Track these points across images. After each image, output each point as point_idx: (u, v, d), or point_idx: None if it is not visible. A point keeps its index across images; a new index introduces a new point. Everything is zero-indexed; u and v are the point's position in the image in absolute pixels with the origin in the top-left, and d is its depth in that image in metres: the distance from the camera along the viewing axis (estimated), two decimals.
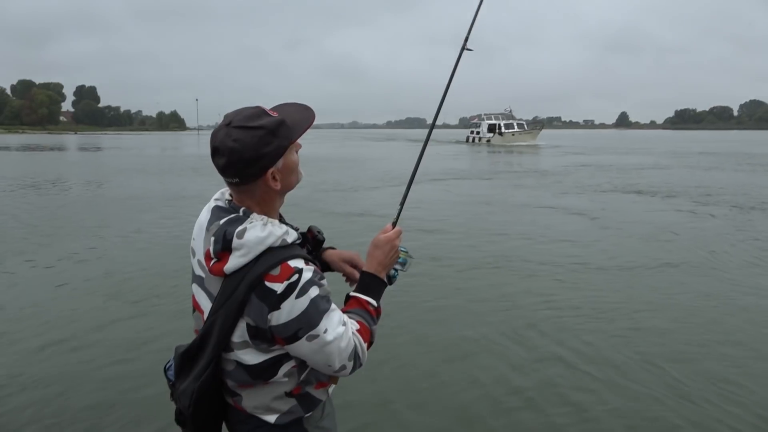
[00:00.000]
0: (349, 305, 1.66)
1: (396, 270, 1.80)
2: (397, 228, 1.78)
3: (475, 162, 31.59)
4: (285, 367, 1.54)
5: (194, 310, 1.62)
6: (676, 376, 4.14)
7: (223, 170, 1.48)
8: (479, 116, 69.70)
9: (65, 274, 6.96)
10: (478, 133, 67.10)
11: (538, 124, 70.68)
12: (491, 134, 63.85)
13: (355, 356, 1.54)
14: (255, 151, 1.43)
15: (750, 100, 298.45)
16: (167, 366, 1.68)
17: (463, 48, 2.28)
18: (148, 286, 6.44)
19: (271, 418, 1.59)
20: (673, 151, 43.48)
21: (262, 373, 1.53)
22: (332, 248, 1.92)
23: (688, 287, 6.45)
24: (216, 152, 1.47)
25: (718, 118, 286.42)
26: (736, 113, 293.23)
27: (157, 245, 8.62)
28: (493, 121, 64.99)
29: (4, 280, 6.74)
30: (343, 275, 1.86)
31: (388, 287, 1.76)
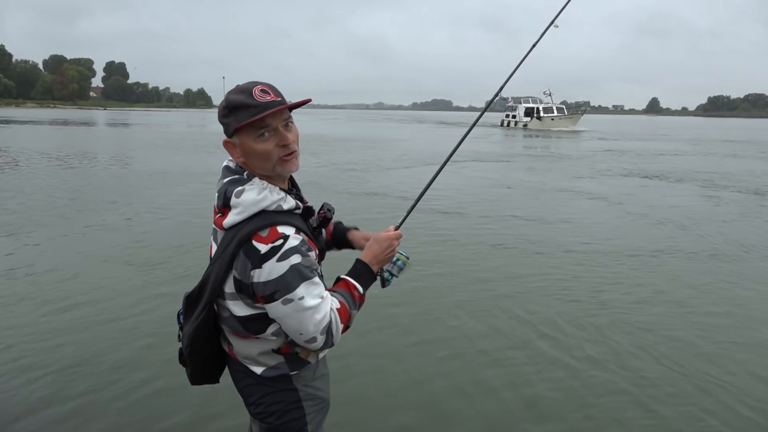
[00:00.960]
0: (337, 286, 1.75)
1: (391, 274, 1.89)
2: (398, 231, 1.91)
3: (511, 147, 31.06)
4: (273, 326, 1.64)
5: (210, 258, 1.74)
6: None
7: None
8: (513, 98, 66.39)
9: (91, 244, 7.08)
10: (513, 117, 64.41)
11: (579, 109, 65.46)
12: (528, 118, 60.87)
13: (328, 332, 1.60)
14: (219, 116, 1.61)
15: None
16: (179, 312, 1.80)
17: (551, 24, 2.50)
18: (170, 255, 6.57)
19: (258, 370, 1.71)
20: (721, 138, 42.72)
21: (250, 326, 1.64)
22: (356, 228, 2.06)
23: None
24: None
25: (753, 105, 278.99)
26: None
27: (180, 218, 8.72)
28: (530, 105, 61.87)
29: (30, 248, 6.88)
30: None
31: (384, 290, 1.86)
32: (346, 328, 1.67)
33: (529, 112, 61.48)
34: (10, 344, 4.24)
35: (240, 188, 1.57)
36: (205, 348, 1.72)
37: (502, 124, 65.41)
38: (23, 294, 5.32)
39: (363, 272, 1.77)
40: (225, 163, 1.71)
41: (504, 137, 40.66)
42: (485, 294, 5.63)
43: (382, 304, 4.90)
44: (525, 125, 60.37)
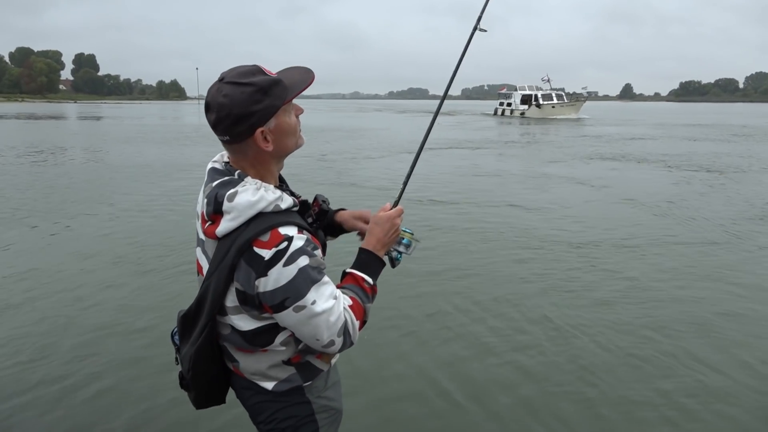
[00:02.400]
0: (345, 281, 1.62)
1: (400, 252, 1.75)
2: (398, 207, 1.73)
3: (527, 136, 30.94)
4: (282, 336, 1.52)
5: (198, 273, 1.61)
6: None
7: (214, 126, 1.43)
8: (507, 86, 64.65)
9: (70, 242, 6.96)
10: (509, 104, 60.82)
11: (581, 96, 61.84)
12: (525, 106, 57.60)
13: (345, 332, 1.48)
14: (244, 107, 1.38)
15: (756, 72, 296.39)
16: (173, 332, 1.68)
17: (476, 28, 2.17)
18: (155, 254, 6.45)
19: (269, 385, 1.59)
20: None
21: (257, 340, 1.51)
22: (343, 209, 1.88)
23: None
24: (208, 108, 1.43)
25: (724, 90, 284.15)
26: (741, 85, 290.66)
27: (162, 214, 8.60)
28: (527, 92, 58.61)
29: (9, 246, 6.74)
30: (358, 233, 1.81)
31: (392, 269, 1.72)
32: (363, 323, 1.56)
33: (525, 100, 58.37)
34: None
35: (232, 191, 1.40)
36: (209, 369, 1.59)
37: (495, 113, 62.12)
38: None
39: (369, 261, 1.63)
40: (210, 165, 1.55)
41: (505, 126, 39.08)
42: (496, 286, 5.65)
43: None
44: (522, 113, 57.43)
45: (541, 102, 56.51)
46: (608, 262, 6.29)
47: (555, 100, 56.94)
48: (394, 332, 4.46)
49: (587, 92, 63.18)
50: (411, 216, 8.23)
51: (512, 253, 6.68)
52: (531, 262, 6.36)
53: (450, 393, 3.57)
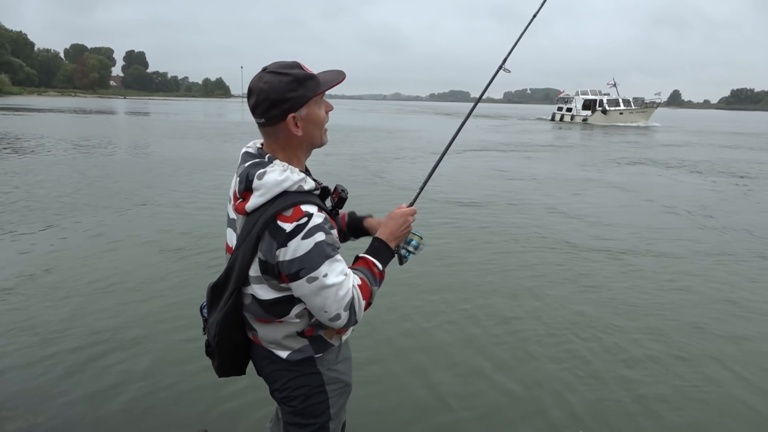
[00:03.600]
0: (357, 264, 1.77)
1: (408, 251, 1.91)
2: (412, 207, 1.91)
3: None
4: (297, 308, 1.67)
5: (227, 252, 1.76)
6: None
7: (253, 109, 1.61)
8: (564, 91, 61.23)
9: (117, 232, 7.23)
10: (569, 110, 57.28)
11: (652, 102, 56.21)
12: (588, 112, 53.78)
13: (351, 308, 1.62)
14: (280, 93, 1.57)
15: None
16: (202, 305, 1.83)
17: (500, 68, 2.38)
18: (194, 243, 6.66)
19: (283, 354, 1.74)
20: None
21: (274, 309, 1.66)
22: (371, 216, 2.06)
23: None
24: (249, 93, 1.61)
25: None
26: None
27: (203, 205, 8.83)
28: (590, 96, 54.67)
29: (58, 235, 7.04)
30: None
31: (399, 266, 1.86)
32: (368, 304, 1.69)
33: (588, 105, 54.52)
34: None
35: (262, 170, 1.57)
36: (234, 335, 1.74)
37: (553, 119, 58.73)
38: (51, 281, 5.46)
39: (381, 249, 1.79)
40: (244, 150, 1.72)
41: (575, 134, 36.10)
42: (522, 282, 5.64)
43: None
44: (584, 119, 53.47)
45: (607, 108, 52.56)
46: None
47: (622, 106, 52.85)
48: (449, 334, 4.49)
49: (659, 99, 56.52)
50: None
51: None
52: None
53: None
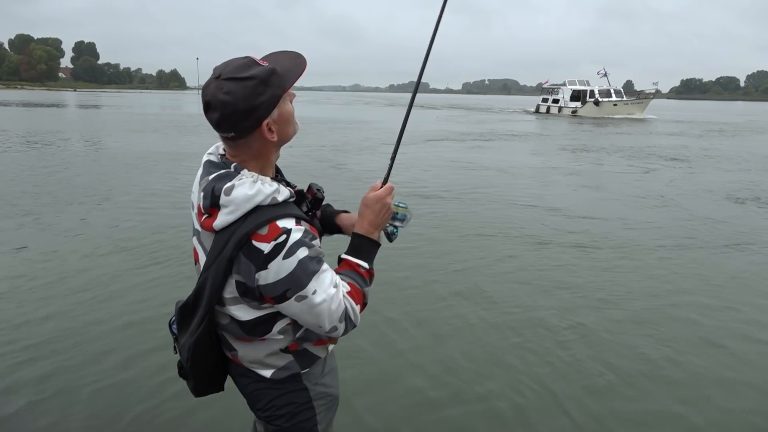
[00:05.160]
0: (341, 267, 1.64)
1: (395, 227, 1.75)
2: (388, 185, 1.69)
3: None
4: (279, 324, 1.55)
5: (195, 263, 1.62)
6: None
7: (218, 125, 1.42)
8: (550, 84, 56.65)
9: (74, 235, 7.01)
10: (555, 101, 53.59)
11: (647, 92, 52.13)
12: (577, 103, 50.03)
13: (347, 318, 1.52)
14: (248, 101, 1.38)
15: (757, 71, 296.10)
16: (171, 321, 1.70)
17: (441, 16, 2.02)
18: (155, 243, 6.46)
19: (267, 373, 1.62)
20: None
21: (256, 330, 1.54)
22: (346, 212, 1.88)
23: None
24: (208, 107, 1.41)
25: (725, 88, 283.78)
26: (742, 84, 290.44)
27: (162, 203, 8.63)
28: (578, 87, 50.97)
29: (8, 239, 6.77)
30: None
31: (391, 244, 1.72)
32: (363, 306, 1.59)
33: (577, 96, 50.77)
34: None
35: (229, 184, 1.40)
36: (208, 358, 1.62)
37: (537, 110, 55.20)
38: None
39: (362, 245, 1.64)
40: (206, 158, 1.55)
41: (572, 128, 32.42)
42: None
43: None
44: (574, 111, 49.57)
45: (599, 99, 48.59)
46: None
47: (614, 97, 49.03)
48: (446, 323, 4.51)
49: (656, 89, 52.60)
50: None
51: None
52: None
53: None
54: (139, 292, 5.01)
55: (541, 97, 57.64)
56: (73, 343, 4.01)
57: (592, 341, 4.27)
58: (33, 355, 3.84)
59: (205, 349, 1.59)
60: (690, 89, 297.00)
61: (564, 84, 53.50)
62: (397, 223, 1.74)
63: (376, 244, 1.66)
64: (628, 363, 3.95)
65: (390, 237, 1.76)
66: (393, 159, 1.80)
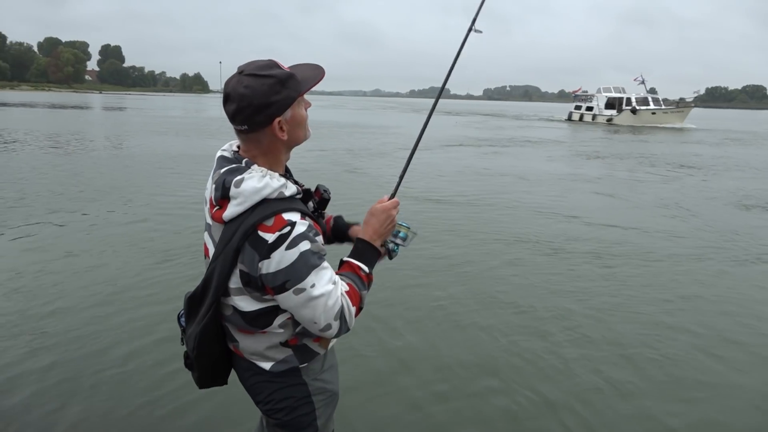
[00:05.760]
0: (342, 269, 1.69)
1: (396, 245, 1.81)
2: (394, 199, 1.80)
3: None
4: (280, 318, 1.60)
5: (205, 257, 1.68)
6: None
7: (233, 117, 1.51)
8: (582, 89, 55.22)
9: (93, 232, 7.09)
10: (589, 108, 51.61)
11: (688, 101, 49.64)
12: (612, 111, 48.00)
13: (342, 317, 1.55)
14: (264, 98, 1.47)
15: None
16: (180, 314, 1.76)
17: (471, 29, 2.21)
18: (171, 242, 6.52)
19: (266, 365, 1.67)
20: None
21: (257, 321, 1.59)
22: (357, 224, 1.96)
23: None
24: (227, 99, 1.51)
25: (751, 97, 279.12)
26: None
27: (178, 203, 8.71)
28: (614, 94, 49.01)
29: (31, 237, 6.88)
30: None
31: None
32: (359, 310, 1.62)
33: (612, 103, 48.69)
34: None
35: (239, 177, 1.48)
36: (213, 348, 1.67)
37: (569, 118, 53.50)
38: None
39: (365, 251, 1.70)
40: (219, 153, 1.64)
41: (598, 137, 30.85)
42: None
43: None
44: (609, 120, 47.58)
45: (636, 107, 46.37)
46: None
47: (652, 105, 46.73)
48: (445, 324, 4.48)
49: (696, 96, 50.93)
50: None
51: None
52: None
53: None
54: (147, 287, 5.10)
55: (574, 105, 55.88)
56: (77, 336, 4.10)
57: (586, 347, 4.22)
58: (39, 346, 3.92)
59: (210, 339, 1.64)
60: (715, 97, 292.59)
61: (599, 91, 51.58)
62: (398, 241, 1.81)
63: (377, 252, 1.74)
64: (618, 371, 3.89)
65: (390, 254, 1.82)
66: (402, 175, 1.92)
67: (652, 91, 51.16)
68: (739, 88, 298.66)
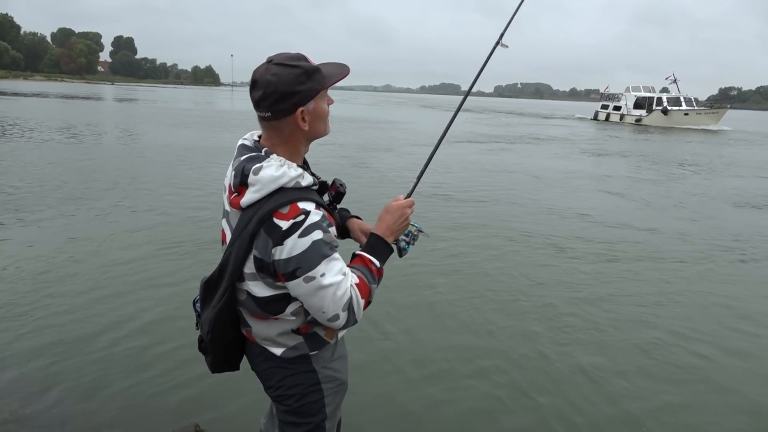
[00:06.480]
0: (354, 262, 1.71)
1: (407, 243, 1.84)
2: (410, 198, 1.84)
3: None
4: (293, 306, 1.63)
5: (223, 243, 1.71)
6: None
7: (258, 102, 1.55)
8: (604, 92, 53.78)
9: (113, 222, 7.18)
10: (617, 108, 50.20)
11: (725, 101, 47.61)
12: (642, 111, 46.44)
13: (350, 308, 1.57)
14: (290, 86, 1.51)
15: None
16: (195, 300, 1.80)
17: (498, 43, 2.28)
18: (189, 235, 6.58)
19: (278, 351, 1.70)
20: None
21: (270, 307, 1.62)
22: (357, 217, 2.01)
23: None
24: (254, 85, 1.55)
25: (765, 98, 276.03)
26: None
27: (187, 195, 8.78)
28: (643, 94, 47.43)
29: (45, 227, 6.97)
30: (360, 245, 1.89)
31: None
32: (367, 303, 1.64)
33: (641, 103, 47.11)
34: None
35: (258, 165, 1.52)
36: (227, 332, 1.70)
37: (595, 117, 51.66)
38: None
39: (378, 245, 1.72)
40: (241, 142, 1.67)
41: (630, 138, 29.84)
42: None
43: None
44: (638, 120, 45.99)
45: (667, 107, 44.59)
46: None
47: (684, 106, 44.86)
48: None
49: (734, 95, 48.54)
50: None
51: None
52: None
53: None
54: (141, 273, 5.23)
55: (600, 104, 54.16)
56: (68, 321, 4.22)
57: (569, 349, 4.23)
58: (28, 330, 4.04)
59: (224, 323, 1.67)
60: (729, 98, 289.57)
61: (627, 90, 50.01)
62: (409, 239, 1.84)
63: (390, 248, 1.76)
64: (600, 372, 3.89)
65: (401, 252, 1.85)
66: (419, 177, 1.96)
67: (665, 90, 49.95)
68: (753, 89, 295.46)
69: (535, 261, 6.37)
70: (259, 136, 1.68)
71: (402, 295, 5.04)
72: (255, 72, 1.56)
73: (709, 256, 6.98)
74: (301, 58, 1.56)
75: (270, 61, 1.55)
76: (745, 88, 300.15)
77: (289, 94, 1.52)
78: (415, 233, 1.86)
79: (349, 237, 1.99)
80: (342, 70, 1.65)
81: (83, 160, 12.41)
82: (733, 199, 11.47)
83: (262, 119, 1.59)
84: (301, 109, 1.55)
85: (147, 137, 18.13)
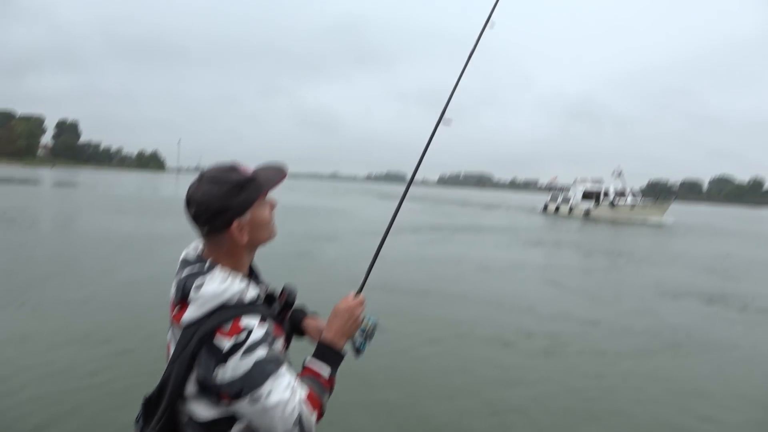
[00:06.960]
0: (303, 373, 1.62)
1: (363, 341, 1.75)
2: (359, 297, 1.76)
3: None
4: (237, 426, 1.51)
5: (167, 357, 1.61)
6: None
7: (194, 220, 1.55)
8: (556, 179, 54.36)
9: (47, 320, 6.65)
10: (566, 200, 50.14)
11: (669, 194, 48.21)
12: (590, 203, 47.09)
13: (300, 424, 1.47)
14: (221, 202, 1.51)
15: (719, 175, 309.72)
16: (138, 417, 1.66)
17: (440, 121, 2.28)
18: (106, 325, 6.18)
19: None
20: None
21: (214, 429, 1.50)
22: (314, 315, 1.93)
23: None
24: (188, 203, 1.54)
25: (689, 191, 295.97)
26: (705, 188, 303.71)
27: (136, 287, 8.35)
28: (591, 186, 48.29)
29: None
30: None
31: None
32: (320, 415, 1.55)
33: (589, 195, 47.78)
34: None
35: (200, 281, 1.49)
36: None
37: (545, 209, 51.40)
38: None
39: (326, 354, 1.65)
40: (182, 256, 1.62)
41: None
42: None
43: None
44: (586, 213, 46.68)
45: (614, 200, 45.78)
46: None
47: (631, 198, 46.25)
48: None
49: (675, 190, 49.80)
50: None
51: None
52: None
53: None
54: (72, 370, 4.82)
55: (550, 196, 53.37)
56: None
57: None
58: None
59: None
60: (656, 190, 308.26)
61: (575, 182, 50.55)
62: (363, 337, 1.74)
63: (340, 355, 1.68)
64: None
65: (358, 352, 1.75)
66: (368, 272, 1.92)
67: (598, 181, 50.33)
68: (679, 182, 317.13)
69: (481, 356, 6.28)
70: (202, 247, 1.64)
71: (347, 396, 4.77)
72: (188, 190, 1.56)
73: (647, 349, 7.05)
74: (234, 169, 1.56)
75: (201, 178, 1.55)
76: (671, 180, 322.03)
77: (222, 209, 1.51)
78: (371, 330, 1.76)
79: (308, 336, 1.89)
80: (278, 174, 1.65)
81: (17, 248, 11.75)
82: (679, 290, 11.83)
83: (201, 235, 1.58)
84: (236, 222, 1.53)
85: (83, 225, 17.52)
